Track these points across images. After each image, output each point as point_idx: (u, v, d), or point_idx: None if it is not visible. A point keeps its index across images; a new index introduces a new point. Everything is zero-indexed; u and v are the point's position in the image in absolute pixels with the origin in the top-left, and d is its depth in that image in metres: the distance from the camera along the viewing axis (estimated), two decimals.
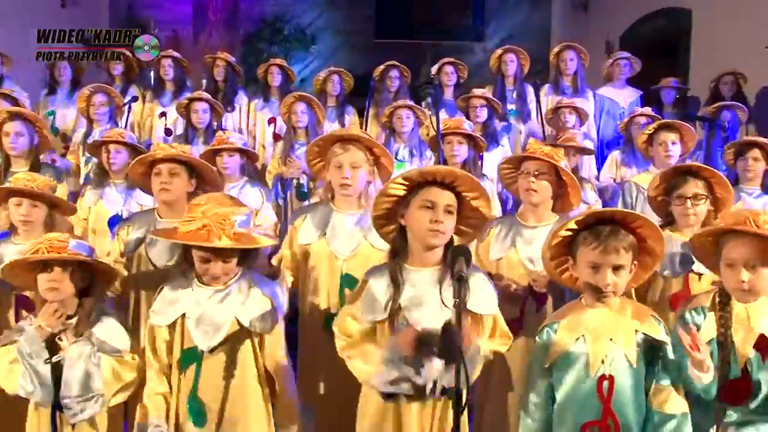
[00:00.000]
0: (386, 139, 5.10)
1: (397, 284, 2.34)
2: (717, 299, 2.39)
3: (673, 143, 4.09)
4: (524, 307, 2.94)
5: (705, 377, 2.20)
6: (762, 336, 2.32)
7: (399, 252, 2.40)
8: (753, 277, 2.28)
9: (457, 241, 2.42)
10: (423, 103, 5.08)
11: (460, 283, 2.03)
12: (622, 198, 4.23)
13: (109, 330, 2.57)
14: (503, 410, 2.96)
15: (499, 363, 2.84)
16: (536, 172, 2.97)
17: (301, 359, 3.08)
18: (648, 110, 5.02)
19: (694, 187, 3.00)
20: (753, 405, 2.32)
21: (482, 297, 2.37)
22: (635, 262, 2.28)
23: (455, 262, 2.10)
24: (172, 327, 2.48)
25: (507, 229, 3.06)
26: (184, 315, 2.45)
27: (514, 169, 3.14)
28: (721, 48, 7.01)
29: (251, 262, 2.55)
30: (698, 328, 2.36)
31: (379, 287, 2.39)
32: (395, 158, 4.84)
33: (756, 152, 4.01)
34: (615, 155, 5.12)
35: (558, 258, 2.39)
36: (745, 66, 6.49)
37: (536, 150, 3.00)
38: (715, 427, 2.35)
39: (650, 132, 4.16)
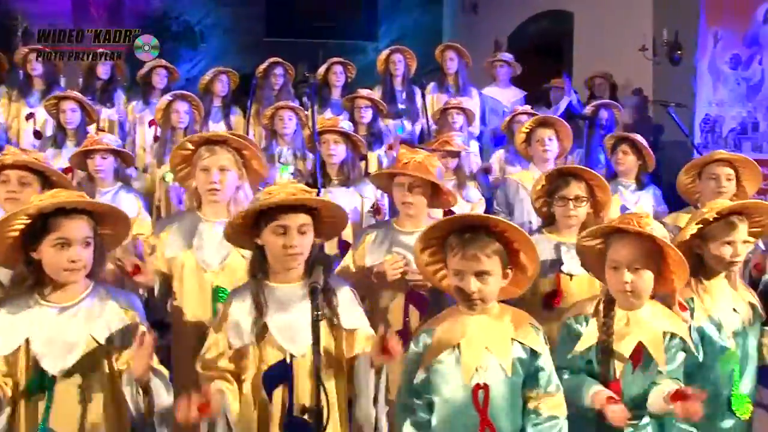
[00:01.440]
0: (268, 140, 4.96)
1: (260, 307, 2.24)
2: (602, 305, 2.42)
3: (550, 139, 4.13)
4: (407, 317, 2.88)
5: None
6: (639, 344, 2.36)
7: (259, 271, 2.31)
8: (635, 278, 2.33)
9: (318, 240, 2.36)
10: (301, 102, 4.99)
11: (314, 295, 1.93)
12: (505, 195, 4.27)
13: None
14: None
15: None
16: (410, 185, 2.90)
17: (177, 378, 2.89)
18: (528, 108, 5.10)
19: (576, 189, 3.03)
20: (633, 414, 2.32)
21: (350, 311, 2.32)
22: (510, 267, 2.22)
23: (311, 273, 2.01)
24: (12, 356, 2.18)
25: (382, 236, 2.98)
26: (27, 340, 2.17)
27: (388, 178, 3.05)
28: (600, 50, 7.31)
29: (102, 272, 2.35)
30: (580, 336, 2.40)
31: (242, 310, 2.28)
32: (278, 161, 4.73)
33: (624, 146, 4.19)
34: (499, 154, 5.20)
35: (434, 265, 2.32)
36: (622, 67, 6.78)
37: (409, 162, 2.90)
38: None
39: (527, 130, 4.23)
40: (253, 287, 2.29)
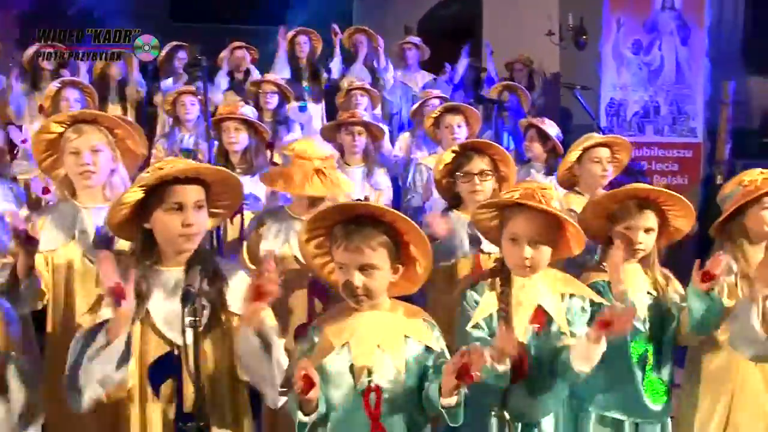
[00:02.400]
0: (171, 127, 4.75)
1: (141, 294, 2.02)
2: (499, 276, 2.34)
3: (459, 126, 4.11)
4: (312, 307, 2.77)
5: (500, 367, 2.08)
6: (538, 308, 2.29)
7: (144, 257, 2.09)
8: (535, 253, 2.24)
9: (211, 223, 2.18)
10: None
11: (187, 301, 1.76)
12: (413, 180, 4.23)
13: None
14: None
15: None
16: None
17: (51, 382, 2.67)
18: (439, 92, 5.08)
19: (480, 163, 2.98)
20: (536, 384, 2.28)
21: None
22: (400, 261, 2.06)
23: (188, 274, 1.86)
24: None
25: (279, 224, 2.85)
26: None
27: None
28: (509, 34, 7.38)
29: None
30: (476, 304, 2.30)
31: None
32: (180, 148, 4.53)
33: (531, 133, 4.22)
34: (405, 137, 5.14)
35: (323, 257, 2.14)
36: (530, 51, 6.87)
37: (304, 166, 2.78)
38: (498, 407, 2.27)
39: (436, 115, 4.18)
40: (137, 273, 2.03)
